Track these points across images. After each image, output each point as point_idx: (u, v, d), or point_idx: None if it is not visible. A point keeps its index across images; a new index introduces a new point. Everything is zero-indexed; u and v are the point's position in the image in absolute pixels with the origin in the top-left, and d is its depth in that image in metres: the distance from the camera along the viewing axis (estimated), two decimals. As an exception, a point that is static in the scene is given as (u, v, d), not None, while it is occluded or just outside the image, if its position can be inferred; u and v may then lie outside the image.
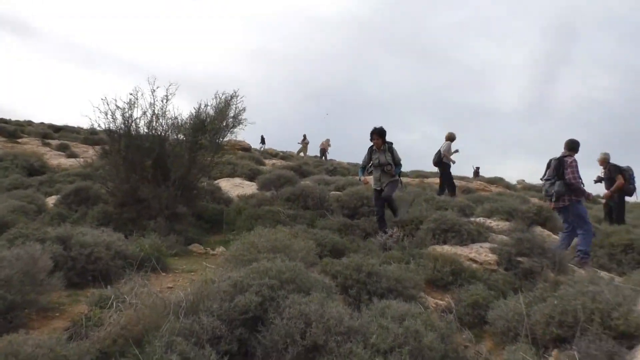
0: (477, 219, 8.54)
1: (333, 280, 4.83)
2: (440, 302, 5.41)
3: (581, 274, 6.00)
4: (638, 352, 3.51)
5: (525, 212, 8.79)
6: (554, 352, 3.79)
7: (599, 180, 10.75)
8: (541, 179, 7.62)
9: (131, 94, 7.81)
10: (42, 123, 29.84)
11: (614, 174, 10.17)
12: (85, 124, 31.06)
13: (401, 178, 8.63)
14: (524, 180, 27.16)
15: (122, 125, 7.75)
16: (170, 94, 7.96)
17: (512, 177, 27.12)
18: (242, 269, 4.29)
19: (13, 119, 28.93)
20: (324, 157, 29.25)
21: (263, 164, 18.63)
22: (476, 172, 25.52)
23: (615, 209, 10.42)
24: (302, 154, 30.47)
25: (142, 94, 7.83)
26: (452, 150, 12.98)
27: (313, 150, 31.52)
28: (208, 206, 9.15)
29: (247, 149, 25.29)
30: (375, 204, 8.27)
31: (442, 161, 12.85)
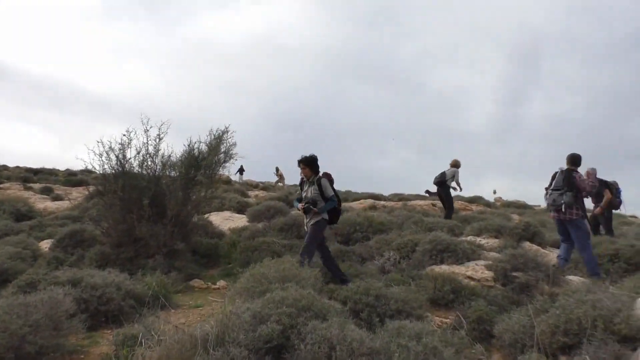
0: (468, 238, 8.79)
1: (343, 305, 4.98)
2: (445, 320, 5.59)
3: (576, 284, 6.25)
4: (641, 354, 3.74)
5: (513, 228, 9.10)
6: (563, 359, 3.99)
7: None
8: (546, 189, 7.71)
9: (124, 135, 7.94)
10: (17, 167, 29.42)
11: (601, 188, 10.42)
12: (63, 166, 30.90)
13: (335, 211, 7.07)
14: (501, 198, 27.86)
15: (117, 166, 7.83)
16: (163, 132, 8.11)
17: (489, 195, 27.75)
18: (258, 300, 4.41)
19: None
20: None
21: (247, 196, 18.72)
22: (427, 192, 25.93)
23: (603, 222, 10.78)
24: (280, 184, 30.57)
25: (135, 134, 7.96)
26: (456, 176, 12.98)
27: (292, 180, 31.64)
28: (202, 241, 9.22)
29: (227, 182, 25.39)
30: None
31: (444, 182, 12.83)
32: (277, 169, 30.51)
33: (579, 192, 7.33)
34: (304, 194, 7.01)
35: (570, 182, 7.24)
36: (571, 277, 6.90)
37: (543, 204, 26.77)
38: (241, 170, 31.45)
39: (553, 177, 7.63)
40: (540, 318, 4.66)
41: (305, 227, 7.01)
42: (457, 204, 20.57)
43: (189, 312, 5.67)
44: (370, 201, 18.24)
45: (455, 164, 13.16)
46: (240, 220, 11.51)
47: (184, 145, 8.51)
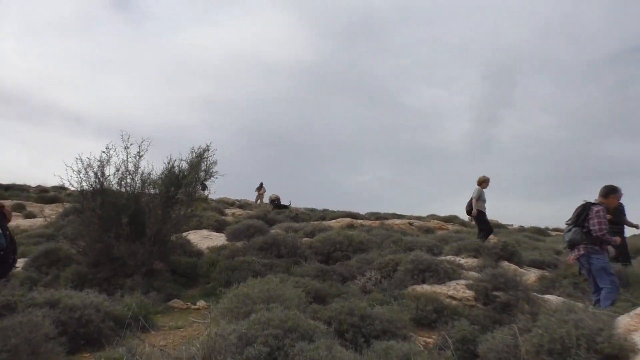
0: (448, 257, 8.87)
1: (327, 325, 4.96)
2: (429, 340, 5.61)
3: (555, 303, 6.34)
4: (624, 372, 3.81)
5: (491, 248, 9.21)
6: (548, 379, 4.03)
7: None
8: (565, 223, 6.86)
9: (104, 152, 7.83)
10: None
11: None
12: (33, 182, 30.11)
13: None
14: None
15: (95, 183, 7.70)
16: (143, 150, 8.02)
17: (463, 213, 28.15)
18: (243, 322, 4.36)
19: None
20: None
21: (224, 214, 18.56)
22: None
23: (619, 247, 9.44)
24: (258, 202, 30.34)
25: (115, 151, 7.86)
26: (482, 197, 11.53)
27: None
28: (181, 260, 9.08)
29: (204, 199, 25.09)
30: None
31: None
32: (261, 185, 30.23)
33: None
34: None
35: (580, 218, 6.41)
36: (549, 297, 7.00)
37: (518, 223, 26.95)
38: (203, 187, 30.82)
39: (575, 211, 6.66)
40: (524, 337, 4.72)
41: None
42: (432, 223, 20.89)
43: (170, 333, 5.55)
44: (347, 220, 18.26)
45: (480, 181, 11.73)
46: (219, 239, 11.39)
47: (164, 162, 8.44)
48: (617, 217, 9.14)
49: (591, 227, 6.23)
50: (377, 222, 18.66)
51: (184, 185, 8.07)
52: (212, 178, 8.79)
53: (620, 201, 8.64)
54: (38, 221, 14.16)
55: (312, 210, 26.32)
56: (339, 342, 4.82)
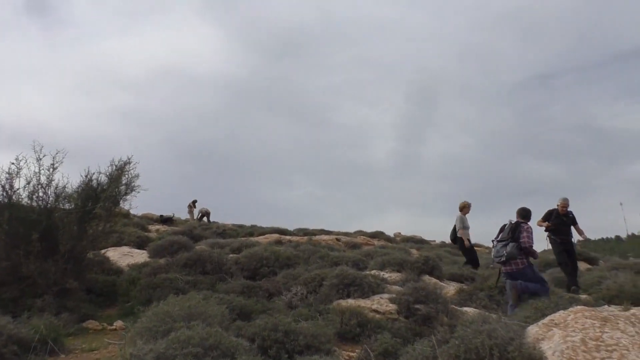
0: (372, 272, 9.03)
1: (251, 342, 4.88)
2: (352, 353, 5.65)
3: (472, 316, 6.61)
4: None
5: (414, 262, 9.49)
6: (464, 388, 4.17)
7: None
8: (492, 241, 7.61)
9: (13, 163, 7.32)
10: None
11: (575, 222, 10.07)
12: None
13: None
14: (400, 233, 29.08)
15: (2, 197, 7.18)
16: (58, 162, 7.59)
17: (389, 229, 28.90)
18: (162, 341, 4.19)
19: None
20: (205, 220, 28.41)
21: (147, 230, 17.90)
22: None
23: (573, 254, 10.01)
24: (189, 215, 29.48)
25: (25, 162, 7.38)
26: (465, 224, 11.49)
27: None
28: (98, 278, 8.62)
29: (126, 215, 24.13)
30: None
31: (457, 236, 11.59)
32: (194, 202, 29.38)
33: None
34: None
35: (515, 234, 7.17)
36: (466, 309, 7.28)
37: (440, 239, 28.05)
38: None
39: (501, 230, 7.51)
40: (442, 348, 4.87)
41: None
42: (359, 239, 21.25)
43: (81, 356, 5.24)
44: (275, 235, 18.20)
45: (461, 207, 11.67)
46: (140, 256, 10.93)
47: (81, 175, 8.01)
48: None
49: (520, 240, 7.12)
50: (305, 238, 18.72)
51: (102, 199, 7.68)
52: (133, 192, 8.43)
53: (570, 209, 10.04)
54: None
55: (241, 226, 25.95)
56: (263, 358, 4.77)
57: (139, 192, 8.48)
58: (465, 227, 11.51)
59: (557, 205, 10.13)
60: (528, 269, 7.19)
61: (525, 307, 6.41)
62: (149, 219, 27.56)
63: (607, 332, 4.50)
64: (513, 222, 7.43)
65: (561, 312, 5.19)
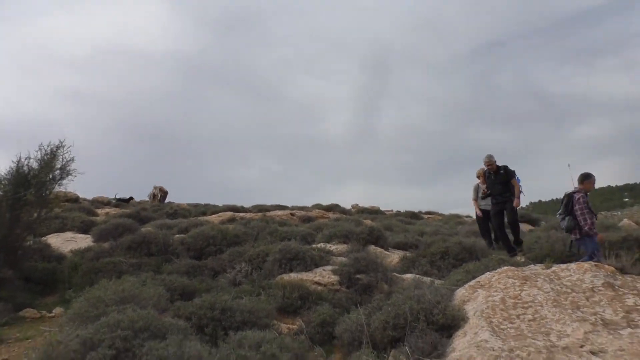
0: (320, 245, 9.15)
1: (187, 321, 4.90)
2: (292, 326, 5.77)
3: (408, 282, 6.82)
4: (454, 339, 4.22)
5: (359, 233, 9.66)
6: (392, 352, 4.34)
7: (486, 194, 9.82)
8: (558, 214, 7.44)
9: None
10: None
11: (509, 177, 9.40)
12: None
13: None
14: (357, 204, 29.47)
15: None
16: (-15, 148, 7.27)
17: (347, 202, 29.21)
18: (91, 326, 4.16)
19: None
20: (157, 200, 27.75)
21: (96, 214, 17.47)
22: None
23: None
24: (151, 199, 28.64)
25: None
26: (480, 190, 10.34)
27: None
28: (37, 266, 8.38)
29: (74, 199, 23.48)
30: None
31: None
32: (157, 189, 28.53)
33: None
34: None
35: (569, 206, 7.02)
36: (408, 276, 7.50)
37: (397, 208, 28.58)
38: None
39: (561, 201, 7.32)
40: (375, 315, 5.04)
41: None
42: (314, 212, 21.41)
43: (14, 345, 5.14)
44: (229, 214, 18.07)
45: (479, 175, 10.61)
46: (84, 241, 10.68)
47: (12, 161, 7.72)
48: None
49: (575, 213, 6.88)
50: (259, 214, 18.71)
51: (33, 185, 7.42)
52: (69, 176, 8.18)
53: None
54: None
55: (196, 205, 25.67)
56: (199, 337, 4.81)
57: (75, 176, 8.24)
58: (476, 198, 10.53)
59: (483, 168, 9.84)
60: (586, 239, 6.91)
61: (456, 271, 6.68)
62: (100, 203, 26.92)
63: (525, 290, 4.75)
64: (568, 192, 7.20)
65: (487, 273, 5.43)
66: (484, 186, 9.98)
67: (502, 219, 9.44)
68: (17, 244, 7.56)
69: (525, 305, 4.47)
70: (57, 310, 6.68)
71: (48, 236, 10.75)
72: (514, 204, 9.27)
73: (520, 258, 8.65)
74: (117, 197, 26.82)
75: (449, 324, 4.49)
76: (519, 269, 5.43)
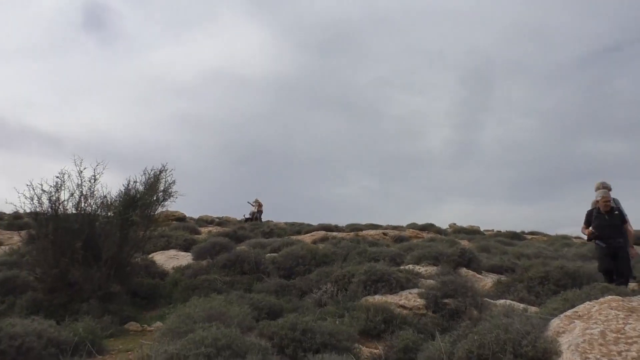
0: (408, 267, 8.98)
1: (270, 341, 5.02)
2: (375, 350, 5.68)
3: (498, 308, 6.46)
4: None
5: (450, 255, 9.35)
6: (475, 384, 4.12)
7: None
8: None
9: (57, 177, 7.84)
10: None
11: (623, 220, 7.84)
12: (7, 209, 29.64)
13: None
14: (455, 224, 28.46)
15: (49, 209, 7.70)
16: (98, 173, 8.05)
17: (445, 221, 28.29)
18: (179, 341, 4.41)
19: None
20: (255, 219, 28.36)
21: (198, 233, 18.52)
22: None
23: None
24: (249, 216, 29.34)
25: (69, 176, 7.88)
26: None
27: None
28: (143, 282, 9.07)
29: (181, 218, 25.12)
30: None
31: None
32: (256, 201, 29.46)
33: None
34: None
35: None
36: (501, 301, 7.11)
37: (498, 227, 27.22)
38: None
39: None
40: (460, 344, 4.82)
41: None
42: (408, 232, 21.04)
43: (116, 357, 5.56)
44: (322, 233, 18.31)
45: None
46: (185, 259, 11.38)
47: (122, 185, 8.47)
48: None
49: None
50: (352, 234, 18.76)
51: (139, 206, 8.09)
52: (171, 198, 8.81)
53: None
54: (4, 249, 14.00)
55: (292, 224, 26.31)
56: (279, 357, 4.91)
57: (176, 197, 8.85)
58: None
59: (597, 202, 7.92)
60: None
61: (554, 299, 6.21)
62: (205, 221, 28.49)
63: (630, 324, 4.30)
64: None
65: (587, 303, 5.00)
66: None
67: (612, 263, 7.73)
68: (126, 260, 8.23)
69: (630, 341, 4.04)
70: (157, 324, 7.14)
71: (154, 253, 11.59)
72: (631, 255, 7.64)
73: (633, 286, 7.86)
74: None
75: (539, 357, 4.17)
76: (625, 299, 4.95)
